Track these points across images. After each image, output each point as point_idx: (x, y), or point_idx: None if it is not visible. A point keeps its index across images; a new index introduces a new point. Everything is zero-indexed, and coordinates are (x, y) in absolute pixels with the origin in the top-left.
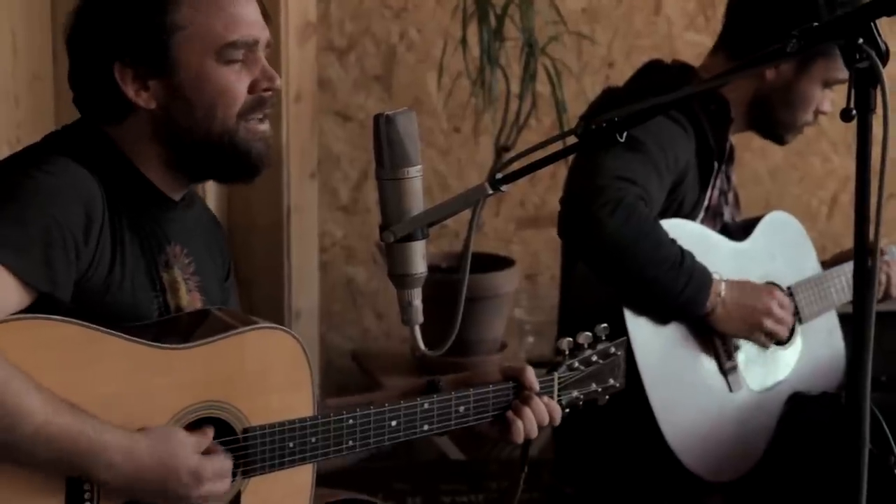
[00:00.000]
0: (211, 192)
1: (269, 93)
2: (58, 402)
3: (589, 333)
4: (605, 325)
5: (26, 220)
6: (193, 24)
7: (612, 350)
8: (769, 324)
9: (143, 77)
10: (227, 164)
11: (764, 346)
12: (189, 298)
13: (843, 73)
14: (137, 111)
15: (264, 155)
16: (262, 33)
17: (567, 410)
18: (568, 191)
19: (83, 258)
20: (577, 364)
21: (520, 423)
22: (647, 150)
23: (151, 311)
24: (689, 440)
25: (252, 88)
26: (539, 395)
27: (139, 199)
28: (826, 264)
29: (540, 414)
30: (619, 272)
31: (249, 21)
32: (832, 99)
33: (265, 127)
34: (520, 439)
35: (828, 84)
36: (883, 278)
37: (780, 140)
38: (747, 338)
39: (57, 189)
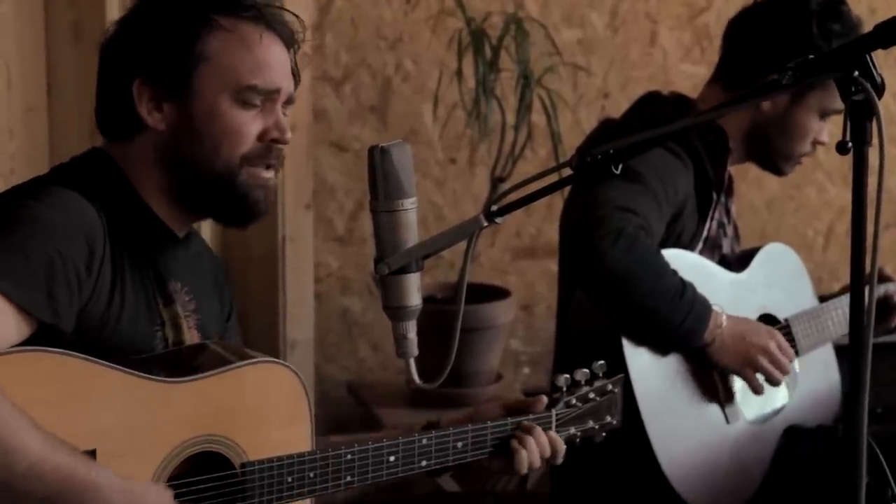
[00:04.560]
0: (206, 223)
1: (278, 145)
2: (55, 442)
3: (586, 370)
4: (601, 361)
5: (29, 251)
6: (220, 59)
7: (610, 387)
8: (764, 362)
9: (159, 98)
10: (224, 203)
11: (756, 389)
12: (189, 335)
13: (839, 104)
14: (146, 132)
15: (262, 202)
16: (285, 84)
17: (564, 447)
18: (568, 221)
19: (85, 289)
20: (574, 401)
21: (523, 453)
22: (646, 181)
23: (152, 345)
24: (685, 471)
25: (262, 136)
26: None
27: (142, 232)
28: (835, 296)
29: (542, 444)
30: (621, 302)
31: (275, 69)
32: (829, 130)
33: (269, 175)
34: (524, 469)
35: (825, 114)
36: None
37: (778, 171)
38: (739, 372)
39: (59, 220)
